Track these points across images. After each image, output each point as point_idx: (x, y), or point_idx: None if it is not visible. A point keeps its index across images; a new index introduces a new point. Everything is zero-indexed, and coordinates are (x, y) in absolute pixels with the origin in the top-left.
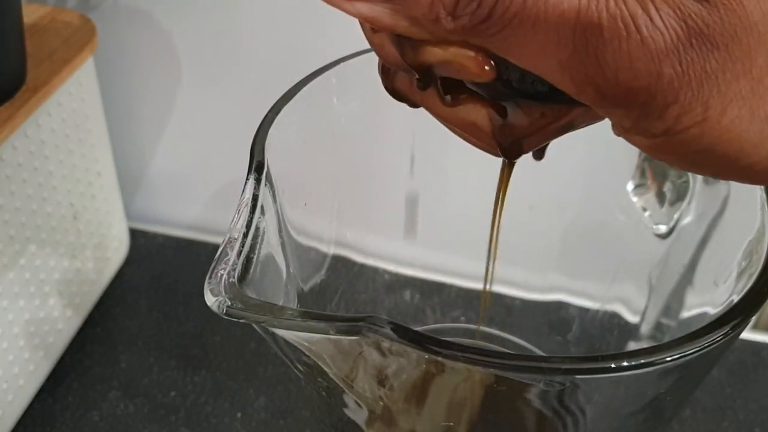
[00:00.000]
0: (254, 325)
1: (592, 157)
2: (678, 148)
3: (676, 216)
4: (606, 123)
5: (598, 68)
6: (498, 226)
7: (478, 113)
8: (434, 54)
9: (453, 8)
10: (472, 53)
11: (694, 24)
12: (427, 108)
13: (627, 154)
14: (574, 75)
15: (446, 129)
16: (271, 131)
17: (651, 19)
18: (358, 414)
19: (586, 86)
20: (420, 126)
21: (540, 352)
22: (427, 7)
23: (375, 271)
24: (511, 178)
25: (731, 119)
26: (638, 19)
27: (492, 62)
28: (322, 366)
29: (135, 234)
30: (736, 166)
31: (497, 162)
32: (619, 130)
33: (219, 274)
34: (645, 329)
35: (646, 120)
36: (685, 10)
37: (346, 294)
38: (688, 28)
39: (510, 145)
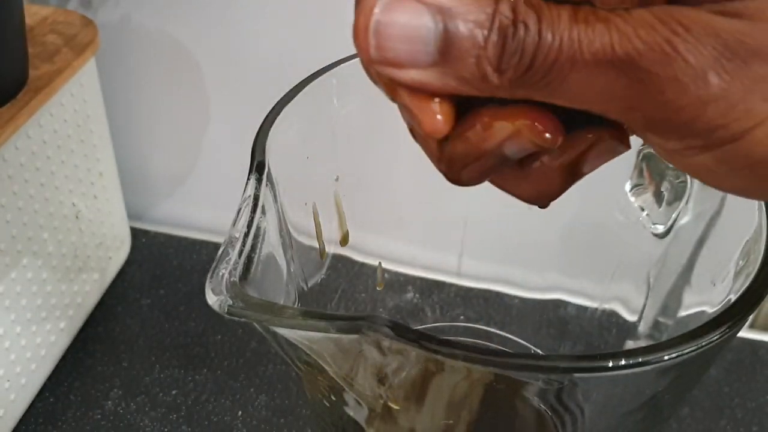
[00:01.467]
0: (255, 324)
1: None
2: (726, 161)
3: (673, 216)
4: None
5: (644, 95)
6: None
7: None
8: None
9: (498, 63)
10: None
11: (730, 37)
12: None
13: (625, 154)
14: (621, 105)
15: None
16: (271, 131)
17: (685, 40)
18: (358, 412)
19: (635, 114)
20: None
21: (539, 351)
22: (474, 65)
23: (375, 270)
24: None
25: None
26: (673, 41)
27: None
28: (323, 364)
29: (136, 234)
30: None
31: None
32: (667, 152)
33: (220, 274)
34: (643, 328)
35: (698, 138)
36: (716, 25)
37: (347, 293)
38: (723, 41)
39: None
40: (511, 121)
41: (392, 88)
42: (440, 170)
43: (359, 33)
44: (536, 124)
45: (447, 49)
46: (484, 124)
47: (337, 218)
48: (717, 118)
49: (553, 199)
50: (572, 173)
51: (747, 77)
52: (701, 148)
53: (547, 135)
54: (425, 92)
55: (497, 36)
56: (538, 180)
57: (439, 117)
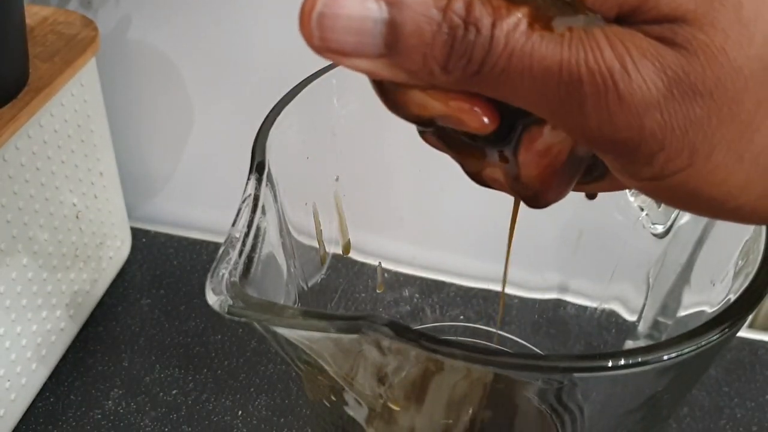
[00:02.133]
0: (255, 324)
1: None
2: (666, 192)
3: (673, 216)
4: None
5: (582, 119)
6: (509, 252)
7: (494, 169)
8: (434, 108)
9: (444, 63)
10: (467, 105)
11: (674, 74)
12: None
13: None
14: (563, 122)
15: None
16: (272, 131)
17: (629, 74)
18: (358, 412)
19: (574, 133)
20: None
21: (538, 351)
22: (420, 62)
23: (375, 270)
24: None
25: (717, 164)
26: (615, 74)
27: (492, 113)
28: (323, 364)
29: (137, 233)
30: (724, 208)
31: None
32: (612, 170)
33: (220, 274)
34: (642, 328)
35: (633, 166)
36: (663, 61)
37: (347, 293)
38: (668, 79)
39: (532, 197)
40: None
41: (424, 105)
42: (523, 199)
43: (303, 20)
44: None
45: (394, 42)
46: (545, 142)
47: (337, 218)
48: (652, 155)
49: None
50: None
51: (685, 117)
52: (632, 176)
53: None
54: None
55: (446, 35)
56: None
57: (484, 118)
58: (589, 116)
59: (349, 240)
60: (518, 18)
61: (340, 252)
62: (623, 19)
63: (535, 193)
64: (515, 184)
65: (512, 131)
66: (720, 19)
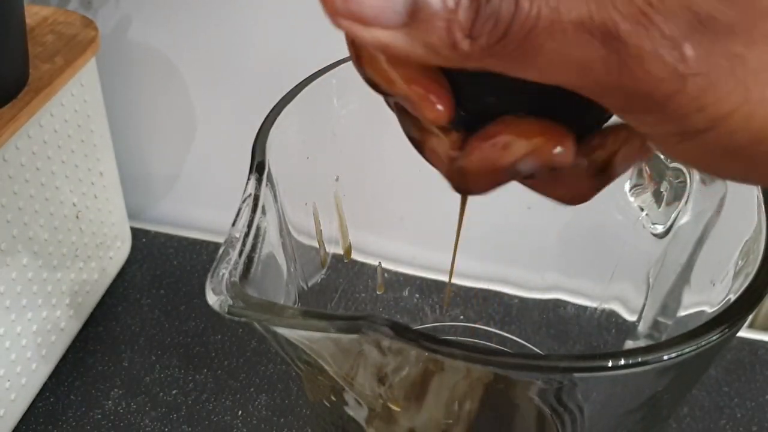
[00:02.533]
0: (255, 324)
1: None
2: (721, 146)
3: (673, 216)
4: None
5: (620, 68)
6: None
7: (439, 141)
8: (395, 85)
9: (470, 29)
10: (422, 91)
11: (701, 9)
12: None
13: None
14: (599, 79)
15: None
16: (272, 131)
17: (658, 11)
18: (358, 412)
19: (612, 90)
20: None
21: (538, 351)
22: (444, 30)
23: (375, 270)
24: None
25: (739, 97)
26: (648, 11)
27: (448, 103)
28: (323, 364)
29: (137, 233)
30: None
31: None
32: (655, 139)
33: (220, 274)
34: (642, 328)
35: (683, 118)
36: (693, 5)
37: (347, 293)
38: (696, 14)
39: (460, 181)
40: (527, 139)
41: (388, 79)
42: (449, 180)
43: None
44: (553, 142)
45: (416, 9)
46: (499, 141)
47: (337, 218)
48: (693, 99)
49: (588, 199)
50: (603, 175)
51: (722, 54)
52: (681, 136)
53: (562, 152)
54: (397, 58)
55: (467, 5)
56: (570, 183)
57: (438, 106)
58: (630, 60)
59: (350, 244)
60: None
61: (341, 253)
62: None
63: (465, 180)
64: (450, 164)
65: (474, 120)
66: None
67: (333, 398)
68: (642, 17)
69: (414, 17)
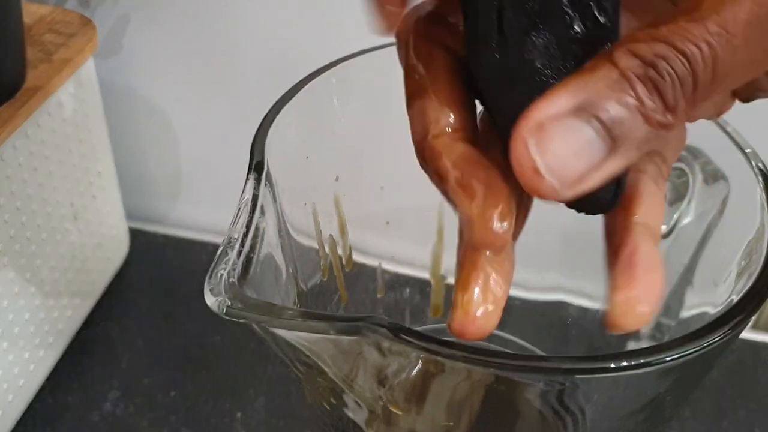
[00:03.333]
0: (254, 325)
1: None
2: None
3: (675, 216)
4: None
5: None
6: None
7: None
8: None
9: (664, 106)
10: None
11: None
12: None
13: None
14: None
15: None
16: (271, 131)
17: None
18: (357, 414)
19: None
20: None
21: (540, 352)
22: (645, 125)
23: (375, 270)
24: None
25: None
26: None
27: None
28: (322, 366)
29: (135, 234)
30: None
31: None
32: None
33: (219, 274)
34: (644, 329)
35: None
36: None
37: (346, 293)
38: None
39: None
40: None
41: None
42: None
43: (530, 177)
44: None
45: (612, 134)
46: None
47: (337, 219)
48: None
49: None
50: None
51: None
52: None
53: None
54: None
55: (643, 86)
56: None
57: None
58: None
59: (350, 255)
60: (678, 18)
61: (340, 254)
62: None
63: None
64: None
65: None
66: None
67: (332, 400)
68: None
69: (614, 140)
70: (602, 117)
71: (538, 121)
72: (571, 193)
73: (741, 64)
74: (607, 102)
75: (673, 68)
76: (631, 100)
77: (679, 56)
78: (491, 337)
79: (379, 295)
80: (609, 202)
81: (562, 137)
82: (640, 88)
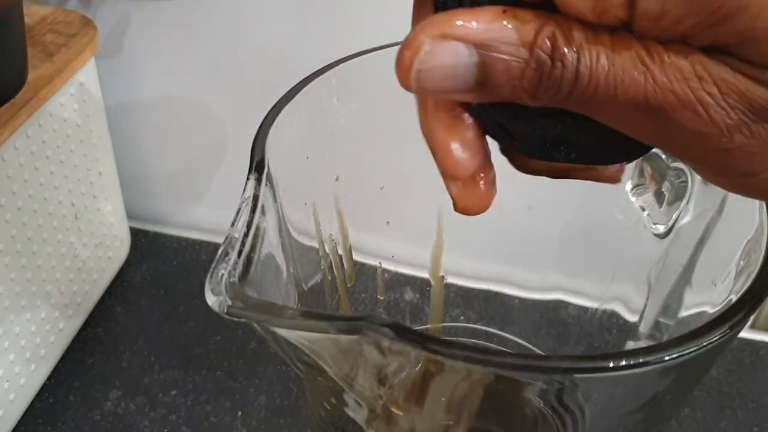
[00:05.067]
0: (255, 325)
1: None
2: (760, 189)
3: (674, 216)
4: None
5: (671, 136)
6: None
7: None
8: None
9: (533, 93)
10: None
11: (755, 101)
12: None
13: None
14: (651, 137)
15: None
16: (271, 131)
17: (717, 103)
18: (358, 413)
19: (662, 146)
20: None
21: (539, 351)
22: (509, 93)
23: (375, 270)
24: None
25: None
26: (706, 102)
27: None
28: (323, 365)
29: (136, 234)
30: None
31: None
32: (700, 173)
33: (220, 274)
34: (643, 328)
35: (724, 173)
36: (751, 95)
37: (346, 293)
38: (750, 104)
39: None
40: None
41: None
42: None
43: (401, 75)
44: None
45: (485, 80)
46: None
47: (337, 219)
48: (737, 165)
49: None
50: None
51: (760, 136)
52: (731, 181)
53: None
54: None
55: (534, 71)
56: None
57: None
58: (680, 136)
59: (352, 269)
60: (602, 52)
61: (341, 257)
62: (714, 49)
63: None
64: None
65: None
66: None
67: (333, 399)
68: (699, 106)
69: (483, 84)
70: (486, 60)
71: (441, 32)
72: (421, 95)
73: (612, 114)
74: (500, 54)
75: (562, 77)
76: (517, 72)
77: (576, 74)
78: (491, 337)
79: (379, 295)
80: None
81: (446, 60)
82: (530, 70)
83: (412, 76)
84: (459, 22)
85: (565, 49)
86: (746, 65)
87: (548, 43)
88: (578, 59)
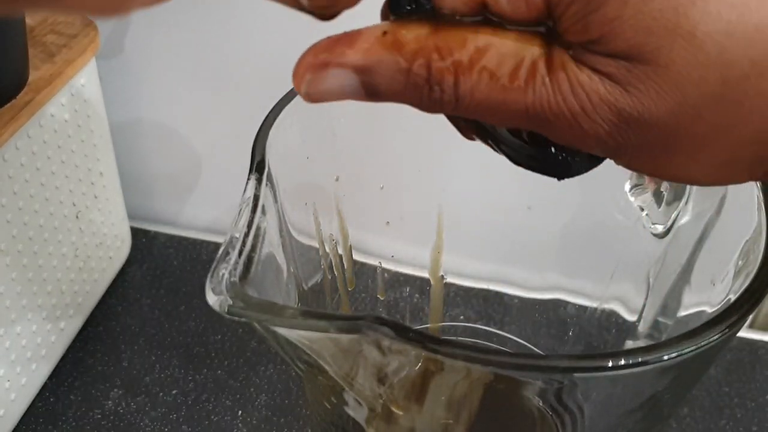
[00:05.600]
0: (255, 324)
1: None
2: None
3: (673, 216)
4: None
5: (553, 134)
6: None
7: None
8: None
9: (419, 106)
10: None
11: (629, 115)
12: None
13: None
14: (558, 140)
15: (448, 130)
16: (272, 131)
17: (589, 116)
18: (358, 412)
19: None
20: (420, 125)
21: (538, 351)
22: (399, 100)
23: (375, 270)
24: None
25: (676, 163)
26: (578, 117)
27: None
28: (323, 364)
29: (137, 233)
30: (684, 179)
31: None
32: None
33: (220, 274)
34: (642, 328)
35: (634, 167)
36: (618, 105)
37: (346, 293)
38: (623, 119)
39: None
40: None
41: None
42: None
43: (296, 87)
44: None
45: (373, 92)
46: None
47: (337, 218)
48: (620, 158)
49: None
50: None
51: (640, 139)
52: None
53: None
54: None
55: (413, 92)
56: None
57: None
58: (557, 137)
59: (353, 275)
60: (480, 72)
61: (341, 256)
62: (583, 46)
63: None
64: None
65: None
66: (674, 57)
67: (333, 399)
68: (573, 121)
69: (372, 95)
70: (374, 87)
71: (321, 61)
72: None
73: (499, 120)
74: (381, 77)
75: (441, 97)
76: (399, 88)
77: (455, 97)
78: (490, 336)
79: (379, 295)
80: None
81: (331, 85)
82: (409, 92)
83: (303, 93)
84: (339, 49)
85: (444, 75)
86: (611, 62)
87: (423, 71)
88: (455, 83)
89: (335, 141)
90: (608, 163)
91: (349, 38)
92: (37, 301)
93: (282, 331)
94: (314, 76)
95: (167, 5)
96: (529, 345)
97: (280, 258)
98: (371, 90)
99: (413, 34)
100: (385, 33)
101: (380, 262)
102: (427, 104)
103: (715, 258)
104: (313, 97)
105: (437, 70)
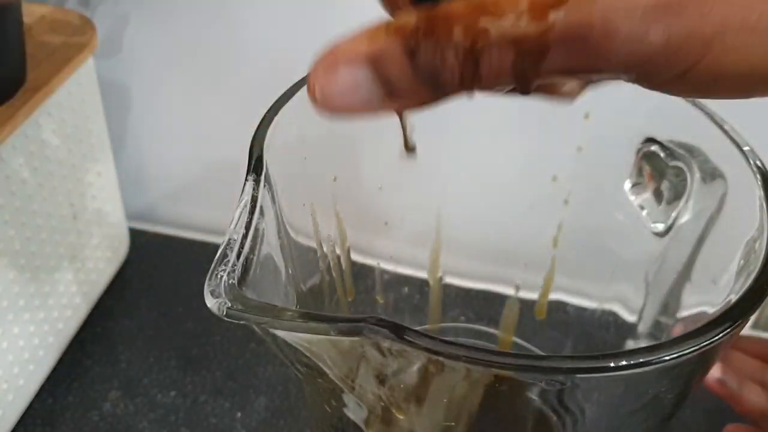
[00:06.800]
0: (254, 326)
1: (590, 157)
2: (691, 85)
3: (673, 214)
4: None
5: (594, 59)
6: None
7: None
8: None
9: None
10: None
11: (658, 3)
12: None
13: (625, 152)
14: (575, 66)
15: (447, 130)
16: (270, 131)
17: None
18: (357, 414)
19: (588, 71)
20: (420, 125)
21: (539, 352)
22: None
23: (374, 270)
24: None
25: (731, 45)
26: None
27: None
28: (322, 367)
29: (135, 234)
30: (751, 81)
31: (500, 163)
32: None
33: (219, 276)
34: (643, 328)
35: (652, 76)
36: None
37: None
38: (654, 7)
39: None
40: None
41: None
42: None
43: (311, 98)
44: None
45: (387, 86)
46: None
47: (335, 219)
48: (663, 64)
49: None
50: None
51: (682, 24)
52: (664, 80)
53: None
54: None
55: (416, 85)
56: None
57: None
58: (599, 56)
59: (349, 255)
60: (494, 47)
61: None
62: None
63: None
64: None
65: None
66: None
67: (332, 401)
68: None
69: (392, 93)
70: (384, 84)
71: (334, 60)
72: (331, 113)
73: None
74: (392, 78)
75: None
76: (410, 82)
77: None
78: (490, 337)
79: (378, 296)
80: None
81: (342, 81)
82: (420, 84)
83: (319, 101)
84: (344, 46)
85: (452, 60)
86: None
87: (431, 43)
88: (475, 61)
89: (333, 141)
90: (608, 163)
91: (352, 36)
92: (35, 301)
93: (281, 333)
94: (326, 78)
95: (167, 5)
96: (529, 346)
97: (279, 259)
98: (385, 80)
99: (414, 17)
100: (388, 23)
101: (379, 263)
102: (444, 75)
103: (716, 257)
104: (328, 103)
105: (440, 57)
